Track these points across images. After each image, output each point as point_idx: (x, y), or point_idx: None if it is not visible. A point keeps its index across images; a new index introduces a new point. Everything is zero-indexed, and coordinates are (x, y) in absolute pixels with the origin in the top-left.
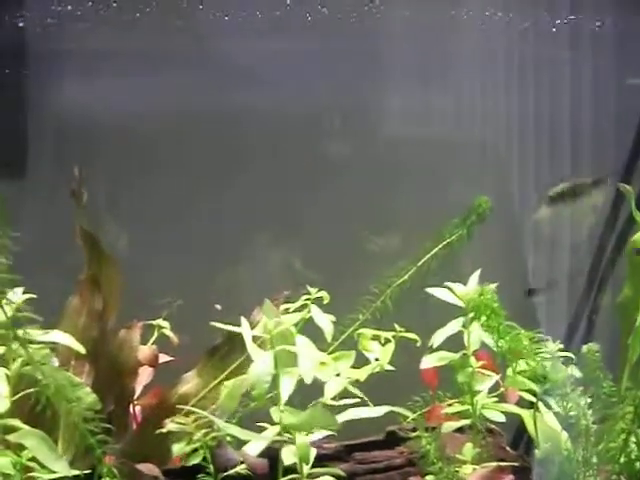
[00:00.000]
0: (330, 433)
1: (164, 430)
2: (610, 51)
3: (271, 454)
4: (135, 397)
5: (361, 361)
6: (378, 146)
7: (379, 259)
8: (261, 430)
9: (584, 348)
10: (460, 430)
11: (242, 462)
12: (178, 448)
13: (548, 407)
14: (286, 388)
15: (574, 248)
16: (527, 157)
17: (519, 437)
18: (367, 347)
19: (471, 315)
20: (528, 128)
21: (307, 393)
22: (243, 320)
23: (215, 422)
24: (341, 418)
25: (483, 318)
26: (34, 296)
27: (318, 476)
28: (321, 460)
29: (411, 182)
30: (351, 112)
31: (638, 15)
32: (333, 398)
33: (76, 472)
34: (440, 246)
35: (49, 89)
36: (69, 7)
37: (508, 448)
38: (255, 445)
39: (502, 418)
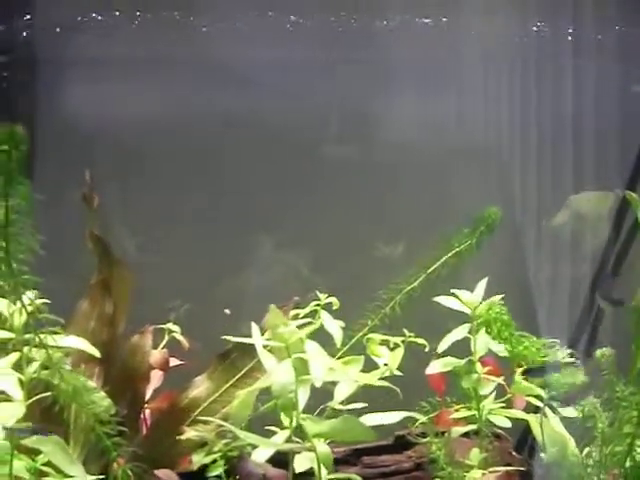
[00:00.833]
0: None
1: (183, 437)
2: (614, 58)
3: (280, 460)
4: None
5: (369, 366)
6: (384, 153)
7: (385, 265)
8: (269, 434)
9: (598, 353)
10: (466, 435)
11: (264, 475)
12: (197, 459)
13: (554, 412)
14: (303, 396)
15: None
16: (530, 164)
17: (523, 441)
18: (376, 352)
19: (477, 322)
20: (531, 135)
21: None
22: (254, 326)
23: (235, 431)
24: None
25: (495, 331)
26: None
27: None
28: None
29: (416, 188)
30: (357, 118)
31: None
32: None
33: (91, 477)
34: (449, 255)
35: (56, 95)
36: (76, 16)
37: (514, 453)
38: (264, 451)
39: (508, 424)
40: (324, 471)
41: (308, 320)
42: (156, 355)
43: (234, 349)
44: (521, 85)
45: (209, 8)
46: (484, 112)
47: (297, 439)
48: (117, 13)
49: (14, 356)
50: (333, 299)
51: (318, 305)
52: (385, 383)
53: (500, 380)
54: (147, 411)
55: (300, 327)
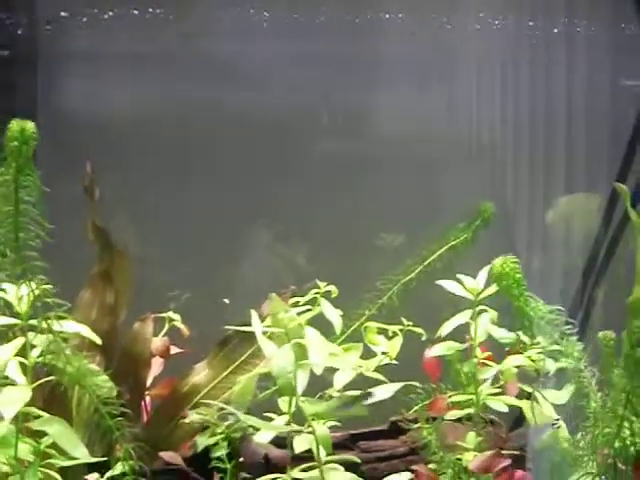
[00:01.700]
0: (335, 423)
1: (186, 420)
2: (604, 54)
3: (281, 444)
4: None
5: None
6: (377, 146)
7: (381, 257)
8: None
9: (600, 335)
10: (459, 420)
11: (266, 455)
12: (201, 440)
13: (545, 398)
14: (302, 380)
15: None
16: (522, 159)
17: (516, 428)
18: (374, 341)
19: (478, 308)
20: (523, 130)
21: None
22: (253, 313)
23: (237, 414)
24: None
25: (506, 286)
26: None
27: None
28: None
29: (408, 181)
30: (355, 112)
31: (631, 18)
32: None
33: (95, 459)
34: (445, 248)
35: (56, 90)
36: (77, 11)
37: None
38: (265, 434)
39: (505, 408)
40: (323, 452)
41: (307, 308)
42: (157, 342)
43: (234, 336)
44: (514, 79)
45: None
46: (474, 108)
47: (295, 425)
48: (116, 10)
49: (19, 341)
50: (332, 287)
51: (317, 293)
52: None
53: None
54: (147, 398)
55: (299, 314)
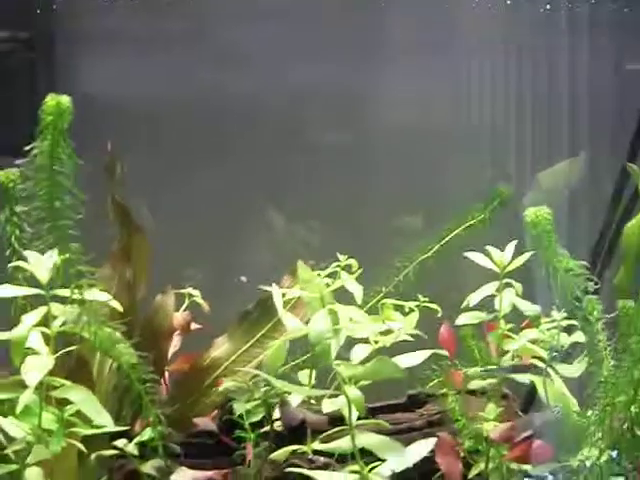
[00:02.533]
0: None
1: (221, 388)
2: (609, 35)
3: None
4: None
5: None
6: (386, 133)
7: (393, 237)
8: None
9: (619, 304)
10: (473, 393)
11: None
12: (239, 406)
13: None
14: (335, 344)
15: None
16: (525, 142)
17: (529, 403)
18: (390, 317)
19: (505, 281)
20: (525, 113)
21: None
22: (274, 286)
23: (269, 379)
24: None
25: (536, 234)
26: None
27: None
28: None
29: (414, 165)
30: (367, 96)
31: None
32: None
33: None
34: (462, 227)
35: (76, 70)
36: None
37: (520, 413)
38: (297, 397)
39: (526, 380)
40: (355, 415)
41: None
42: (178, 317)
43: (254, 310)
44: (515, 61)
45: None
46: (476, 90)
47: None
48: None
49: (42, 310)
50: (353, 261)
51: (338, 266)
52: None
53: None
54: (166, 374)
55: None
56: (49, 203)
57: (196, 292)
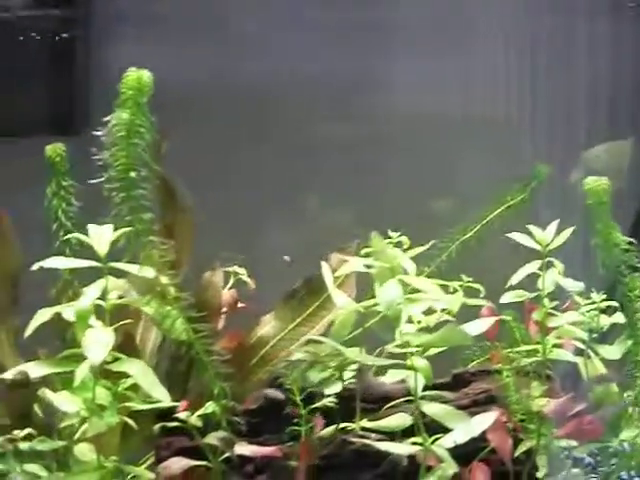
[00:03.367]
0: (402, 377)
1: (293, 358)
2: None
3: None
4: None
5: None
6: (414, 119)
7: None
8: None
9: None
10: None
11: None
12: (314, 375)
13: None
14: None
15: None
16: (543, 126)
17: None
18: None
19: (547, 259)
20: (544, 97)
21: None
22: (324, 264)
23: (339, 348)
24: None
25: (593, 202)
26: None
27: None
28: (390, 400)
29: (440, 150)
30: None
31: None
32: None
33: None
34: (503, 208)
35: (111, 51)
36: None
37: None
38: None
39: (572, 358)
40: (420, 385)
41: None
42: (226, 295)
43: (301, 289)
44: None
45: None
46: (494, 74)
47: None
48: None
49: (101, 283)
50: (404, 238)
51: (390, 242)
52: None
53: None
54: None
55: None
56: (124, 173)
57: (242, 270)
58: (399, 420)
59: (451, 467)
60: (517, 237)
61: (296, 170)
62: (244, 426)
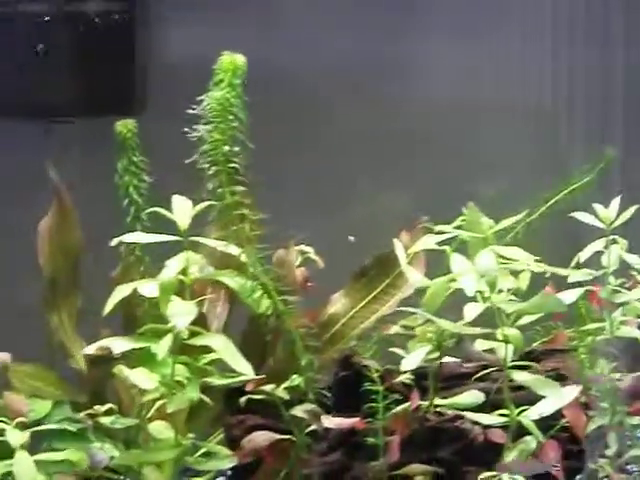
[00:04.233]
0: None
1: (391, 332)
2: None
3: None
4: None
5: None
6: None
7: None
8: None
9: None
10: None
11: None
12: (412, 345)
13: None
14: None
15: None
16: (577, 114)
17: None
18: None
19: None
20: (579, 86)
21: None
22: (396, 242)
23: (431, 318)
24: None
25: None
26: None
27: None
28: (462, 378)
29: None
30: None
31: None
32: None
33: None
34: (569, 189)
35: (168, 31)
36: None
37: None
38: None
39: (638, 334)
40: (510, 354)
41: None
42: (297, 273)
43: (372, 267)
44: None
45: None
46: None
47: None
48: None
49: (183, 256)
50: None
51: (464, 220)
52: None
53: None
54: None
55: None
56: (219, 148)
57: (309, 249)
58: (472, 397)
59: (535, 439)
60: (581, 216)
61: (371, 154)
62: (328, 400)
